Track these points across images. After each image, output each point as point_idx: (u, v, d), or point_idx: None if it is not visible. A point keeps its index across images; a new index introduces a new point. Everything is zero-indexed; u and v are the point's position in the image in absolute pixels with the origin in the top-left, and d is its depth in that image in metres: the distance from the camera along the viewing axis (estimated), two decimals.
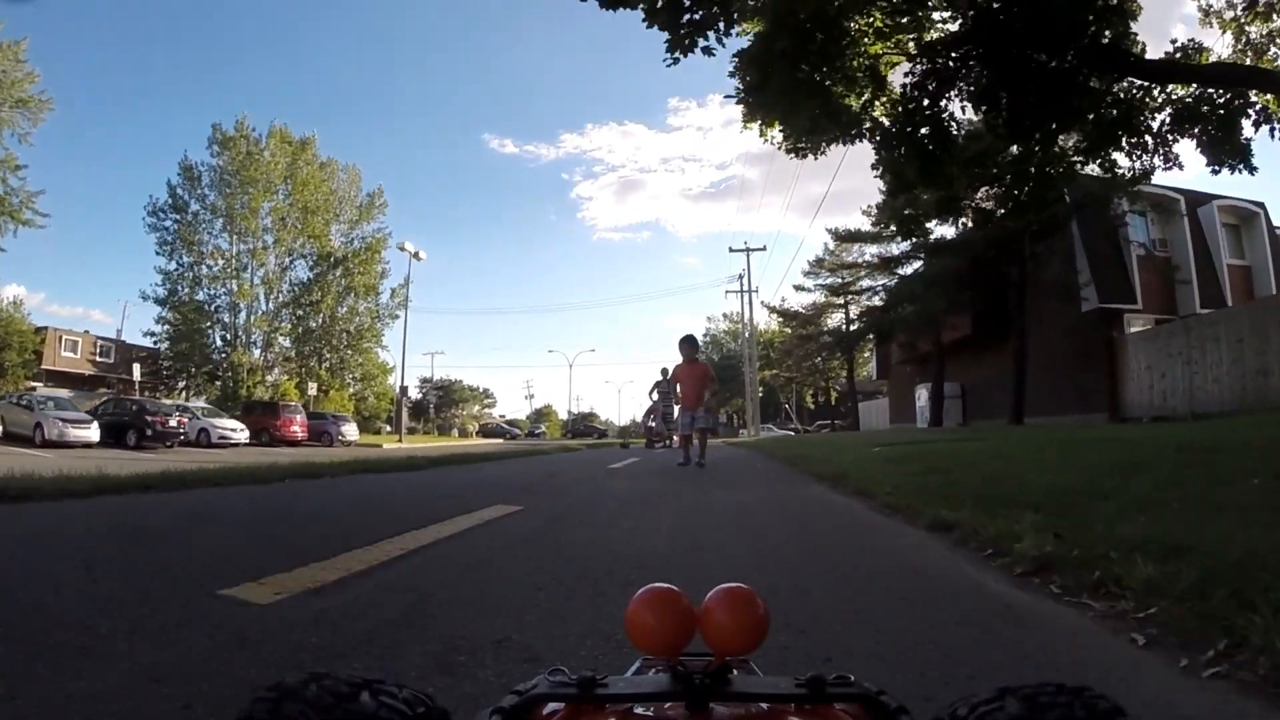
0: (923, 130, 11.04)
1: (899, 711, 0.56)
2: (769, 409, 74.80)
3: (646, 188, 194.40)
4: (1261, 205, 27.51)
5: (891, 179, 12.38)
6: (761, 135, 13.32)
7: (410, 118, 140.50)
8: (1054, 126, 11.01)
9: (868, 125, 11.94)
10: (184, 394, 48.53)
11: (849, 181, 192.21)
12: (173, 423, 27.26)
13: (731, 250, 52.57)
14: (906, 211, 17.73)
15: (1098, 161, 12.27)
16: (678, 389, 12.41)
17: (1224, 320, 19.18)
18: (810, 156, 13.42)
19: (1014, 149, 13.12)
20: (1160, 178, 21.12)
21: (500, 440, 50.78)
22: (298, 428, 34.17)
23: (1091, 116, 11.58)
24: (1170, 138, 11.93)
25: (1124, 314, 24.21)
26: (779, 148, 13.61)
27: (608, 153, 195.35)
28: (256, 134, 48.70)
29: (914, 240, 29.14)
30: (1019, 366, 22.52)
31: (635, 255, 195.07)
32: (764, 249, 59.93)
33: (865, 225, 38.39)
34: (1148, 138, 12.26)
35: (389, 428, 47.61)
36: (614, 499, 6.35)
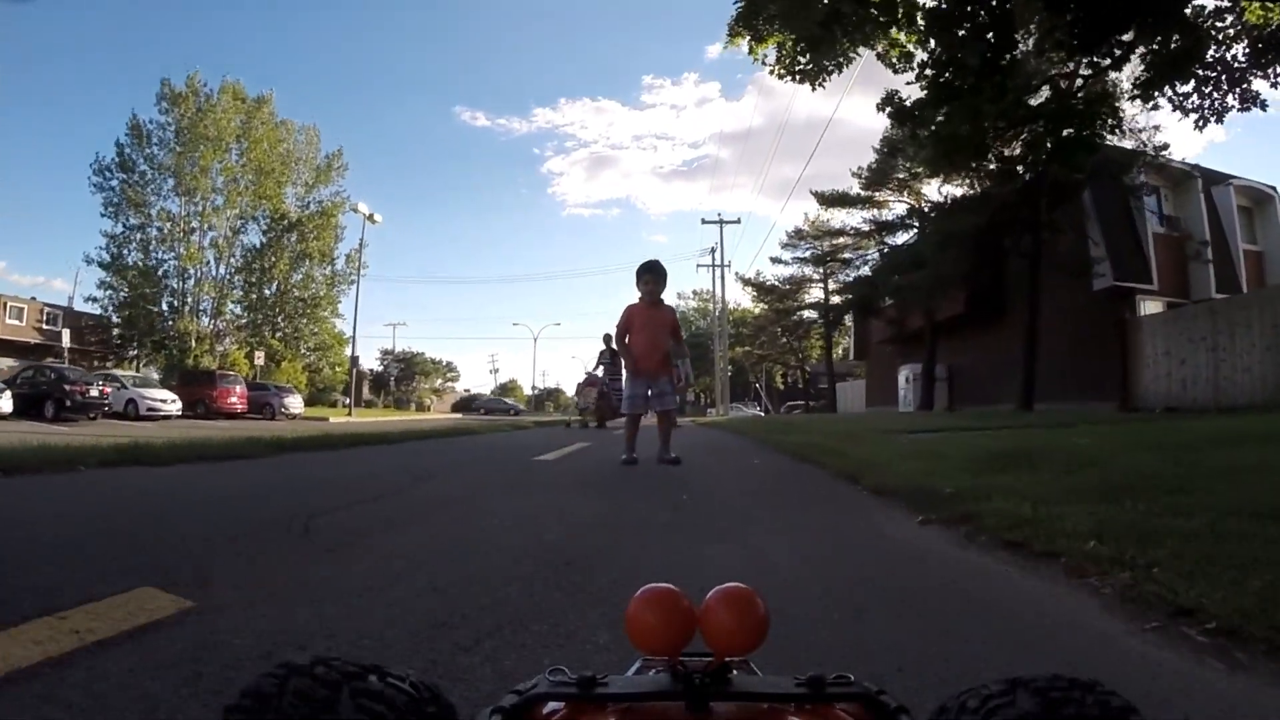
0: (981, 13, 8.80)
1: (899, 711, 0.55)
2: (737, 389, 72.94)
3: (618, 164, 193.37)
4: (1273, 188, 25.88)
5: (939, 79, 10.09)
6: (751, 54, 11.26)
7: (379, 88, 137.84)
8: (1127, 38, 8.76)
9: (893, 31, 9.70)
10: (135, 364, 45.76)
11: (823, 165, 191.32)
12: (94, 393, 25.05)
13: (704, 222, 50.11)
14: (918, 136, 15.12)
15: (1166, 95, 10.00)
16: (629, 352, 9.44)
17: (1260, 303, 17.11)
18: (807, 84, 11.34)
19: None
20: (1176, 152, 19.52)
21: (459, 416, 47.74)
22: (236, 399, 31.95)
23: (1158, 42, 9.56)
24: (1251, 71, 9.89)
25: (1136, 294, 22.31)
26: (771, 70, 11.52)
27: (580, 128, 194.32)
28: (209, 89, 45.73)
29: (947, 179, 25.60)
30: (1030, 346, 20.34)
31: (605, 232, 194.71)
32: (738, 221, 57.59)
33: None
34: (1220, 74, 10.24)
35: (348, 399, 44.84)
36: (472, 570, 2.83)
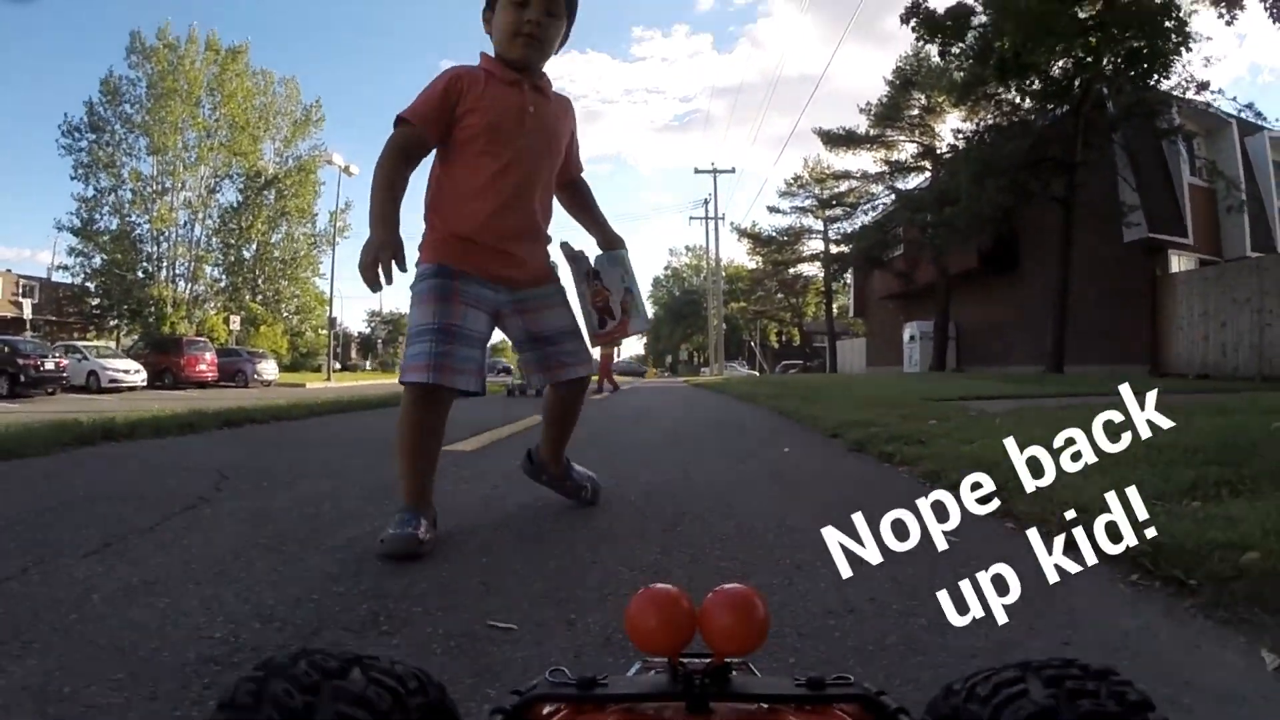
0: None
1: (899, 712, 0.54)
2: (730, 347, 70.60)
3: (608, 118, 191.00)
4: None
5: None
6: None
7: (359, 35, 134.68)
8: None
9: None
10: (115, 334, 43.94)
11: (818, 117, 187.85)
12: (49, 365, 23.24)
13: (697, 171, 48.42)
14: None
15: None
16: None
17: None
18: None
19: None
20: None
21: None
22: (205, 366, 30.02)
23: None
24: None
25: (1169, 249, 20.36)
26: None
27: (569, 81, 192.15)
28: (179, 41, 43.29)
29: (976, 106, 23.24)
30: (1061, 301, 18.61)
31: (596, 188, 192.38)
32: (732, 171, 55.32)
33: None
34: None
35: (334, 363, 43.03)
36: None
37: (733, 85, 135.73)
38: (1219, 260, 20.33)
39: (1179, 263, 20.46)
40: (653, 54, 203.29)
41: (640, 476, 3.93)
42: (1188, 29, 11.69)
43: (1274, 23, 9.26)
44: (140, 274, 43.86)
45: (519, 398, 13.40)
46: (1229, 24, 10.33)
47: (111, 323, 44.80)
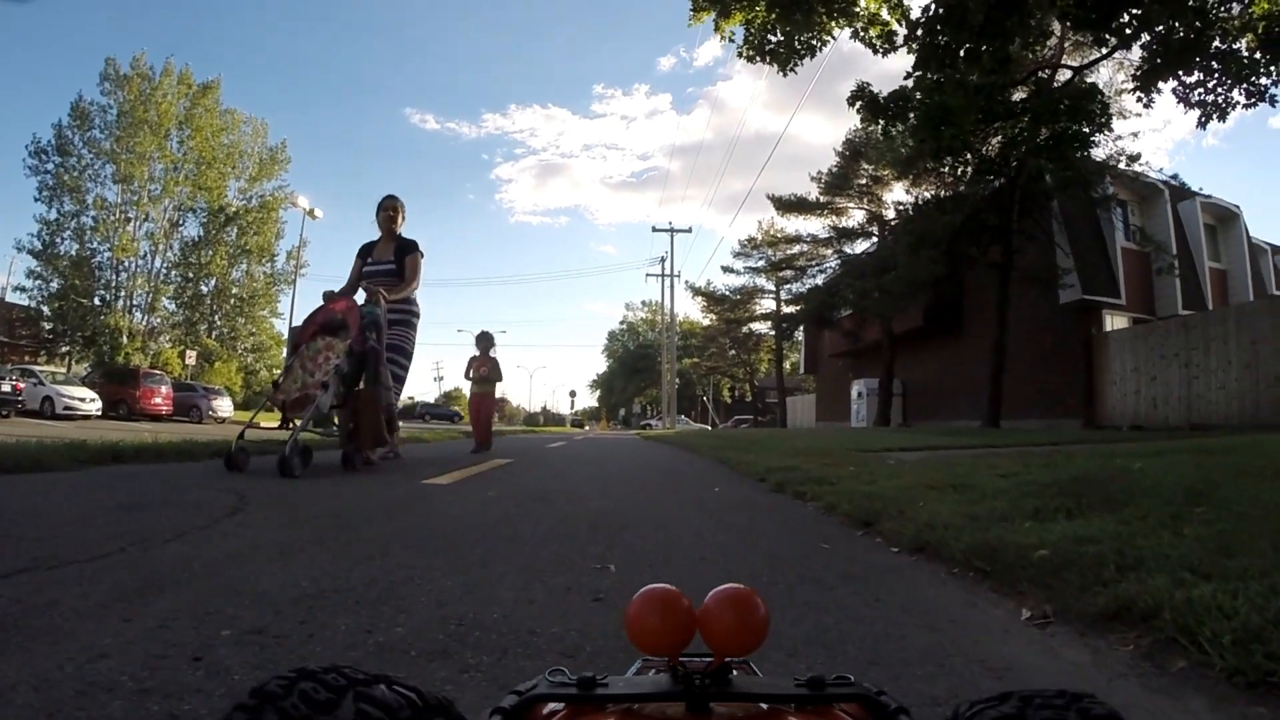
0: None
1: (899, 712, 0.54)
2: (683, 401, 72.29)
3: (567, 173, 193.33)
4: (1238, 207, 25.76)
5: (933, 39, 9.25)
6: (718, 31, 10.36)
7: (328, 84, 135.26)
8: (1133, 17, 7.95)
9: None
10: (65, 360, 43.29)
11: (774, 180, 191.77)
12: (6, 388, 23.26)
13: (655, 230, 49.32)
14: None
15: (1171, 86, 9.28)
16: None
17: (1236, 318, 16.52)
18: (776, 68, 10.50)
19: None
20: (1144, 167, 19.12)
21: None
22: (160, 400, 29.63)
23: (1165, 25, 8.78)
24: (1261, 61, 9.15)
25: (1103, 309, 21.68)
26: (740, 51, 10.66)
27: (530, 135, 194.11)
28: (154, 72, 43.63)
29: (916, 181, 24.88)
30: (998, 360, 19.63)
31: (553, 240, 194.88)
32: (689, 230, 56.45)
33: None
34: (1218, 64, 9.49)
35: None
36: None
37: (691, 144, 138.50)
38: (1152, 318, 21.56)
39: (1112, 322, 21.71)
40: (613, 111, 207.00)
41: (594, 504, 4.65)
42: (1110, 113, 12.73)
43: (1184, 109, 10.22)
44: (97, 301, 43.50)
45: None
46: (1147, 106, 11.31)
47: (64, 348, 44.15)
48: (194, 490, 4.38)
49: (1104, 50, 9.51)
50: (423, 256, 7.56)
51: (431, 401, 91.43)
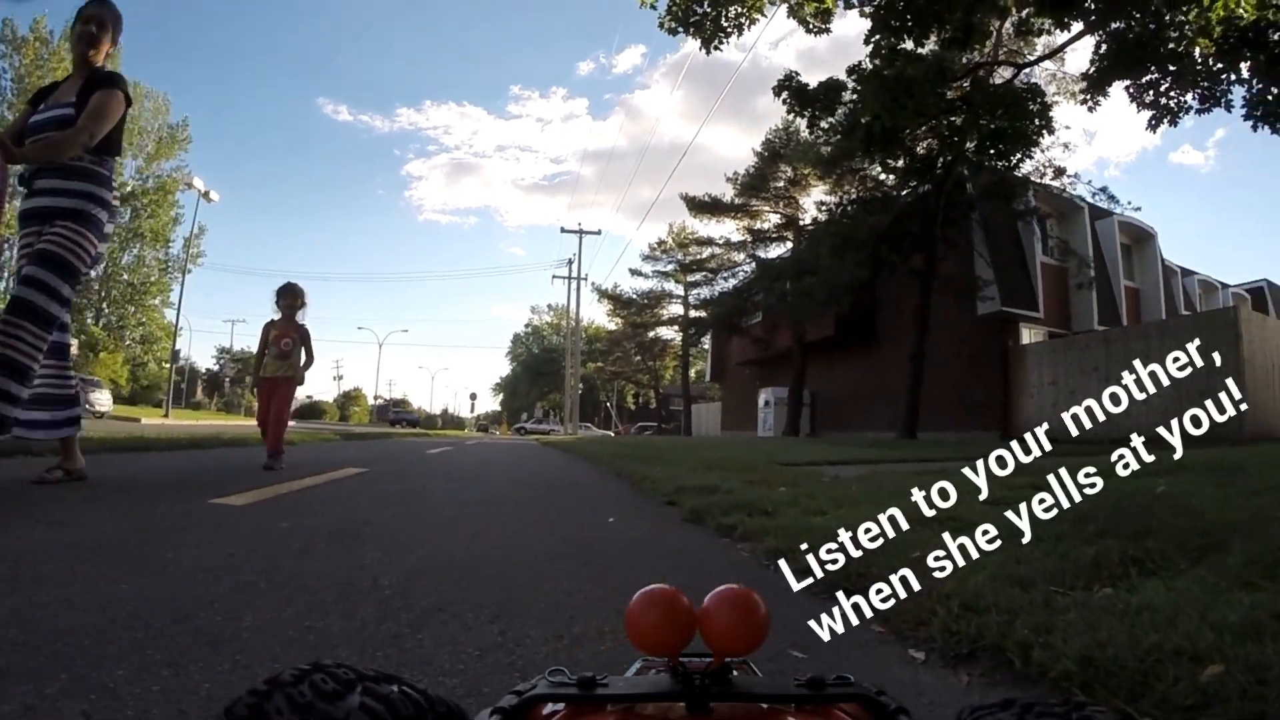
0: None
1: (899, 712, 0.54)
2: (586, 407, 71.70)
3: (479, 172, 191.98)
4: (1153, 228, 26.15)
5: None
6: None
7: (239, 67, 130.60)
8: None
9: None
10: None
11: (683, 186, 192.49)
12: None
13: (564, 230, 48.02)
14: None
15: (1123, 83, 8.76)
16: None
17: (1159, 334, 16.31)
18: (699, 42, 9.59)
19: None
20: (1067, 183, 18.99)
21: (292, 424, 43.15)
22: None
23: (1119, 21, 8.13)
24: (1217, 68, 8.60)
25: (1020, 322, 21.54)
26: (661, 23, 9.73)
27: (444, 133, 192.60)
28: (53, 36, 40.51)
29: (839, 184, 24.30)
30: (917, 371, 19.05)
31: (461, 239, 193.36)
32: (598, 232, 55.31)
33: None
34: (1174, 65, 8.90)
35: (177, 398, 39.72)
36: None
37: (604, 151, 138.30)
38: (1068, 332, 21.58)
39: (1030, 335, 21.58)
40: (529, 113, 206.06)
41: (415, 555, 3.32)
42: (1050, 113, 12.23)
43: (1136, 108, 9.68)
44: None
45: None
46: (1091, 110, 10.84)
47: None
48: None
49: (1067, 36, 8.85)
50: (128, 104, 4.54)
51: (394, 399, 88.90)
